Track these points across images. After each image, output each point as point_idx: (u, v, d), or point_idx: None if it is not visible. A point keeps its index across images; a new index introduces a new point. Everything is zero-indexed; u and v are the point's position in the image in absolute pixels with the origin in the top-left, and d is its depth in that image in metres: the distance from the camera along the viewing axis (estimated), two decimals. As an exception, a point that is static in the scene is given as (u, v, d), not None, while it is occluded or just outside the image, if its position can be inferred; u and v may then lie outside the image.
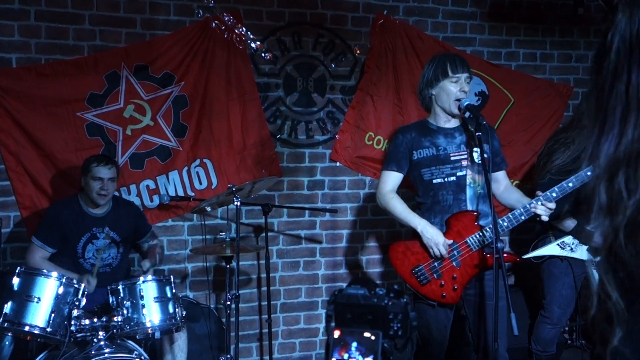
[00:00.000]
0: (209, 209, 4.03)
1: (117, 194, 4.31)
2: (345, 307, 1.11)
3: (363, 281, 1.25)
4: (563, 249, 3.89)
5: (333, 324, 1.11)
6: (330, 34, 4.88)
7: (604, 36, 1.09)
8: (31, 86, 4.24)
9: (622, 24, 1.07)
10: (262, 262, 4.63)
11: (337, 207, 4.89)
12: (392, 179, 3.37)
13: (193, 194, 4.59)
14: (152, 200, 4.54)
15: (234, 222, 3.89)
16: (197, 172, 4.64)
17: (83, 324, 3.37)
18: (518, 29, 5.32)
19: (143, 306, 3.50)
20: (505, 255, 2.88)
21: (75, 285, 3.38)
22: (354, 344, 1.05)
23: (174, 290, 3.63)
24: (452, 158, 3.27)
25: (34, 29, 4.27)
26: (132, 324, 3.47)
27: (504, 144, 5.06)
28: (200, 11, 4.58)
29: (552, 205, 3.14)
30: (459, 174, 3.27)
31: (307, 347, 4.95)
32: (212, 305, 4.64)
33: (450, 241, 3.19)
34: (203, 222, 4.68)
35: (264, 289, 4.66)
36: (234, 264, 3.99)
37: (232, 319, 3.97)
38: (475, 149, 3.28)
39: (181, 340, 3.88)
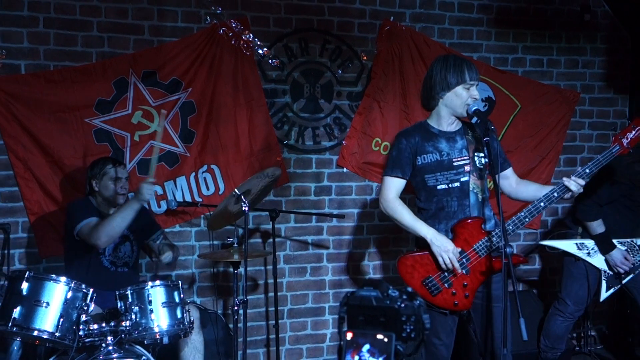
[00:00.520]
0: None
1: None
2: (357, 309, 1.11)
3: (375, 283, 1.25)
4: (580, 249, 3.90)
5: (345, 326, 1.11)
6: (337, 41, 4.90)
7: None
8: (39, 92, 4.27)
9: None
10: (270, 267, 4.63)
11: (344, 213, 4.89)
12: (396, 184, 3.32)
13: (200, 200, 4.59)
14: (159, 206, 4.56)
15: (242, 227, 3.88)
16: (205, 178, 4.65)
17: (91, 328, 3.37)
18: (525, 35, 5.32)
19: (151, 311, 3.50)
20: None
21: (84, 290, 3.38)
22: (366, 346, 1.05)
23: (182, 295, 3.63)
24: (455, 163, 3.25)
25: (42, 36, 4.30)
26: (140, 329, 3.47)
27: (511, 150, 5.08)
28: (208, 18, 4.60)
29: (583, 182, 3.19)
30: (463, 179, 3.25)
31: (314, 353, 4.95)
32: (219, 311, 4.64)
33: (459, 249, 3.18)
34: (210, 228, 4.69)
35: (271, 294, 4.66)
36: (241, 269, 3.99)
37: (240, 325, 3.97)
38: (477, 154, 3.27)
39: (198, 342, 3.88)
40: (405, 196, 3.39)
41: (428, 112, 3.41)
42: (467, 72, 3.20)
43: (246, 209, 3.74)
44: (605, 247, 3.90)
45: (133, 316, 3.46)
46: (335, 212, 4.89)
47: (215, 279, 4.73)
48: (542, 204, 3.20)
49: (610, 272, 3.85)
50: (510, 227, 3.18)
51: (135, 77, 4.46)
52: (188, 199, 4.59)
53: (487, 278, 3.22)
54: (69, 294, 3.32)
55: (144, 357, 3.44)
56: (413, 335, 1.08)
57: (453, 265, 3.14)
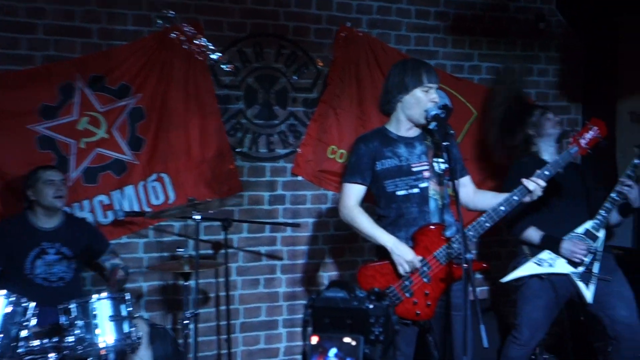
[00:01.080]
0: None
1: (68, 209, 4.22)
2: (323, 311, 1.07)
3: (342, 284, 1.21)
4: (540, 265, 3.88)
5: (310, 330, 1.07)
6: (293, 46, 4.91)
7: None
8: (-21, 97, 4.14)
9: None
10: (221, 279, 4.60)
11: (299, 222, 4.89)
12: (356, 191, 3.33)
13: (149, 210, 4.53)
14: (105, 216, 4.48)
15: (192, 238, 3.83)
16: (154, 187, 4.59)
17: (32, 345, 3.25)
18: (480, 42, 5.43)
19: (96, 326, 3.39)
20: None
21: (24, 304, 3.25)
22: (333, 350, 1.01)
23: (129, 309, 3.53)
24: (414, 169, 3.28)
25: (-16, 38, 4.18)
26: (84, 344, 3.36)
27: (467, 159, 5.13)
28: (159, 21, 4.56)
29: (542, 183, 3.23)
30: (422, 185, 3.28)
31: (268, 368, 4.92)
32: (169, 326, 4.57)
33: (420, 257, 3.17)
34: (160, 239, 4.63)
35: (223, 307, 4.62)
36: (192, 282, 3.95)
37: (190, 340, 3.91)
38: (436, 159, 3.30)
39: (146, 357, 3.78)
40: (364, 204, 3.37)
41: (386, 117, 3.41)
42: (425, 74, 3.23)
43: (198, 217, 3.67)
44: (553, 246, 3.88)
45: (77, 331, 3.36)
46: (289, 221, 4.88)
47: (164, 292, 4.67)
48: (502, 207, 3.24)
49: (579, 270, 3.85)
50: (471, 233, 3.20)
51: (82, 82, 4.39)
52: (136, 208, 4.52)
53: (449, 286, 3.22)
54: (8, 309, 3.19)
55: (88, 375, 3.32)
56: (382, 338, 1.05)
57: (414, 273, 3.14)
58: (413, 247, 3.21)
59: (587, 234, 3.88)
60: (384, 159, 3.28)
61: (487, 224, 3.23)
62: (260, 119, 4.86)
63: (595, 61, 5.58)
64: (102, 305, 3.45)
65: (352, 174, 3.32)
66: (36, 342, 3.27)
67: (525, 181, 3.25)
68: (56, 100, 4.32)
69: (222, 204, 4.25)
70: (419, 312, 3.20)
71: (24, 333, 3.21)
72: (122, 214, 4.41)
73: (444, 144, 3.07)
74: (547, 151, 4.12)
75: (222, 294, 4.63)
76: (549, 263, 3.86)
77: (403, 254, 3.17)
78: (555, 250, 3.86)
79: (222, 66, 4.73)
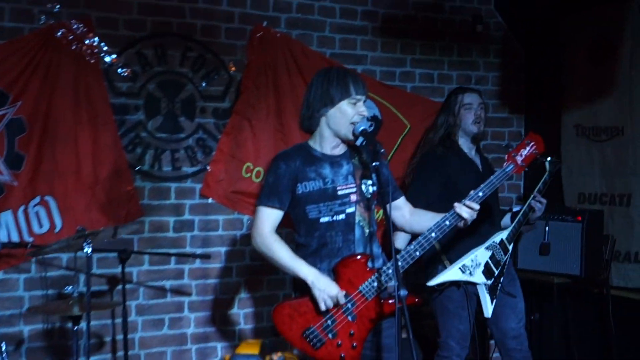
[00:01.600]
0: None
1: None
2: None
3: (253, 345, 1.15)
4: (464, 272, 4.01)
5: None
6: (201, 48, 4.86)
7: None
8: None
9: None
10: (119, 321, 4.47)
11: (209, 252, 4.83)
12: (272, 216, 3.28)
13: (31, 240, 4.39)
14: (-23, 248, 4.28)
15: (84, 272, 3.74)
16: (37, 212, 4.46)
17: None
18: (413, 46, 5.51)
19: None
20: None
21: None
22: None
23: (4, 360, 3.38)
24: (340, 192, 3.26)
25: None
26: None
27: (400, 177, 5.17)
28: (43, 17, 4.45)
29: (477, 207, 3.29)
30: (348, 210, 3.26)
31: (174, 423, 4.83)
32: (55, 377, 4.40)
33: (344, 292, 3.15)
34: (44, 274, 4.49)
35: (121, 353, 4.49)
36: (83, 324, 3.83)
37: (82, 393, 3.76)
38: (364, 181, 3.29)
39: None
40: (281, 230, 3.32)
41: (305, 131, 3.39)
42: (353, 84, 3.22)
43: (89, 251, 3.56)
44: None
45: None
46: (198, 251, 4.83)
47: (49, 337, 4.52)
48: (433, 234, 3.26)
49: (489, 282, 4.02)
50: (400, 263, 3.19)
51: (-53, 88, 4.19)
52: (15, 239, 4.38)
53: (377, 324, 3.22)
54: None
55: None
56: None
57: (338, 311, 3.11)
58: (335, 281, 3.19)
59: (501, 245, 4.10)
60: (306, 180, 3.24)
61: (417, 253, 3.24)
62: (163, 132, 4.79)
63: (538, 68, 5.76)
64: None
65: (269, 196, 3.27)
66: None
67: (457, 206, 3.28)
68: None
69: (119, 232, 4.14)
70: (343, 354, 3.17)
71: None
72: (-1, 246, 4.27)
73: (373, 164, 3.07)
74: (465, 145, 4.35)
75: (120, 337, 4.49)
76: (470, 271, 4.00)
77: (326, 288, 3.13)
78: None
79: (118, 70, 4.65)
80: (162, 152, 4.80)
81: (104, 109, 4.60)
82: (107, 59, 4.61)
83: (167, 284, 4.84)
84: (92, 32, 4.53)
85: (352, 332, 3.18)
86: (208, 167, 4.90)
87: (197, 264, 4.88)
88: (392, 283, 2.90)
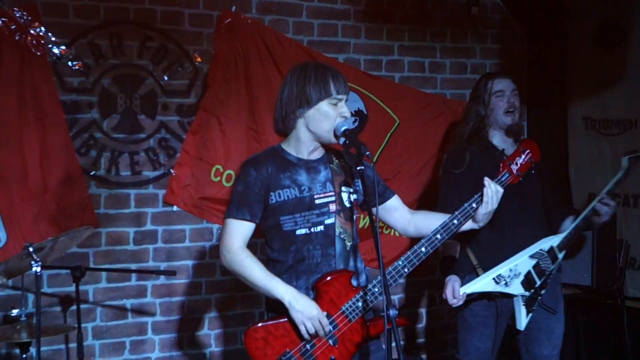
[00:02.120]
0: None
1: None
2: None
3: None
4: (498, 283, 4.00)
5: None
6: (161, 37, 4.86)
7: None
8: None
9: None
10: (73, 345, 4.46)
11: (175, 267, 4.84)
12: (242, 229, 3.26)
13: (-29, 256, 4.35)
14: None
15: (32, 292, 3.71)
16: (-23, 225, 4.45)
17: None
18: (401, 31, 5.53)
19: None
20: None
21: None
22: None
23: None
24: (318, 201, 3.26)
25: None
26: None
27: (389, 178, 5.21)
28: (-19, 5, 4.44)
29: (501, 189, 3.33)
30: (327, 221, 3.26)
31: None
32: (1, 411, 4.39)
33: (325, 313, 3.16)
34: (-13, 295, 4.46)
35: (76, 382, 4.46)
36: (32, 351, 3.82)
37: None
38: (344, 188, 3.31)
39: None
40: (257, 240, 3.34)
41: (279, 133, 3.39)
42: (333, 83, 3.22)
43: (38, 269, 3.55)
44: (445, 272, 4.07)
45: None
46: (162, 266, 4.83)
47: (-6, 365, 4.51)
48: (422, 248, 3.26)
49: (527, 294, 4.00)
50: (388, 281, 3.19)
51: None
52: (-47, 255, 4.33)
53: (362, 348, 3.23)
54: None
55: None
56: None
57: (316, 331, 3.12)
58: (315, 300, 3.19)
59: (550, 253, 4.04)
60: (280, 188, 3.24)
61: (406, 270, 3.24)
62: (120, 132, 4.78)
63: (541, 54, 5.76)
64: None
65: (239, 207, 3.26)
66: None
67: (487, 183, 3.32)
68: None
69: (71, 243, 4.14)
70: (324, 383, 3.19)
71: None
72: None
73: (358, 168, 3.08)
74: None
75: (74, 364, 4.50)
76: (506, 282, 3.99)
77: (305, 309, 3.13)
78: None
79: (68, 63, 4.64)
80: (119, 154, 4.79)
81: (53, 108, 4.59)
82: (56, 50, 4.60)
83: (128, 303, 4.83)
84: (38, 20, 4.52)
85: (333, 357, 3.18)
86: (172, 171, 4.89)
87: (161, 280, 4.88)
88: (381, 300, 2.90)
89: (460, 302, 4.01)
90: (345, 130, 3.21)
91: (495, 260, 4.01)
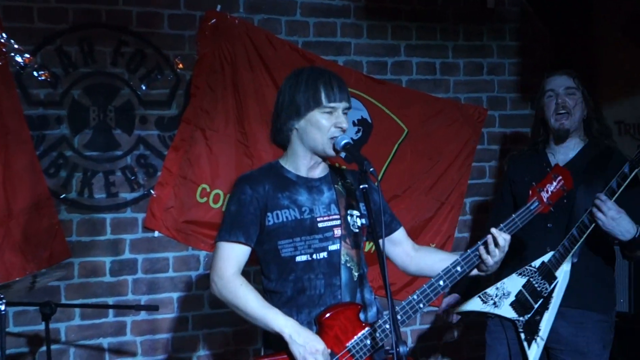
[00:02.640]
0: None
1: None
2: None
3: None
4: (485, 302, 4.01)
5: None
6: (138, 41, 4.87)
7: None
8: None
9: None
10: (44, 391, 4.43)
11: (158, 301, 4.83)
12: (236, 254, 3.25)
13: None
14: None
15: (-4, 333, 3.72)
16: None
17: None
18: (409, 30, 5.53)
19: None
20: None
21: None
22: None
23: None
24: (321, 224, 3.26)
25: None
26: None
27: (398, 194, 5.22)
28: None
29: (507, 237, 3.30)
30: (332, 247, 3.25)
31: None
32: None
33: (329, 350, 3.15)
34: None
35: None
36: (-3, 400, 3.81)
37: None
38: (350, 211, 3.30)
39: None
40: (249, 269, 3.33)
41: (278, 146, 3.40)
42: (324, 89, 3.21)
43: (2, 307, 3.54)
44: None
45: None
46: (144, 299, 4.83)
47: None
48: (441, 282, 3.26)
49: (523, 319, 3.99)
50: (400, 317, 3.19)
51: None
52: None
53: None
54: None
55: None
56: None
57: None
58: (318, 336, 3.18)
59: (540, 269, 4.02)
60: (278, 209, 3.24)
61: (421, 305, 3.24)
62: (93, 149, 4.78)
63: (566, 52, 5.75)
64: None
65: (232, 229, 3.25)
66: None
67: (494, 233, 3.29)
68: None
69: (40, 280, 4.13)
70: None
71: None
72: None
73: (361, 187, 3.07)
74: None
75: (46, 413, 4.48)
76: (494, 302, 4.00)
77: (307, 343, 3.11)
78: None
79: (33, 73, 4.64)
80: (93, 175, 4.78)
81: (17, 124, 4.58)
82: (19, 59, 4.61)
83: (105, 342, 4.81)
84: (-2, 26, 4.53)
85: (336, 400, 3.18)
86: (152, 192, 4.89)
87: (143, 315, 4.87)
88: (390, 338, 2.89)
89: (453, 320, 4.05)
90: (347, 144, 3.20)
91: (496, 278, 4.06)
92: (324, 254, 3.24)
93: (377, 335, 3.17)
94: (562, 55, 5.79)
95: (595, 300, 4.06)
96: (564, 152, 4.20)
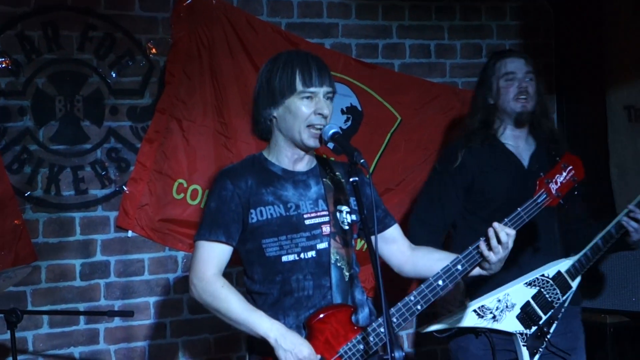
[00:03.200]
0: None
1: None
2: None
3: None
4: (482, 316, 3.99)
5: None
6: (107, 25, 4.87)
7: None
8: None
9: None
10: (10, 405, 4.43)
11: (133, 306, 4.84)
12: (216, 254, 3.25)
13: None
14: None
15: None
16: None
17: None
18: (401, 9, 5.55)
19: None
20: None
21: None
22: None
23: None
24: (308, 222, 3.26)
25: None
26: None
27: (391, 187, 5.23)
28: None
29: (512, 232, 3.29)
30: (320, 246, 3.25)
31: None
32: None
33: (319, 357, 3.16)
34: None
35: None
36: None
37: None
38: (339, 207, 3.31)
39: None
40: (232, 270, 3.34)
41: (260, 138, 3.40)
42: (299, 74, 3.21)
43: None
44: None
45: None
46: (117, 304, 4.84)
47: None
48: (440, 281, 3.27)
49: (529, 331, 3.99)
50: (395, 320, 3.21)
51: None
52: None
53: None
54: None
55: None
56: None
57: None
58: (308, 340, 3.19)
59: (556, 280, 4.02)
60: (262, 205, 3.24)
61: (419, 307, 3.26)
62: (60, 143, 4.79)
63: (572, 32, 5.78)
64: None
65: (212, 227, 3.25)
66: None
67: (496, 227, 3.30)
68: None
69: (5, 284, 4.14)
70: None
71: None
72: None
73: (351, 180, 3.09)
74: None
75: None
76: (494, 315, 3.98)
77: (294, 348, 3.12)
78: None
79: (-7, 61, 4.65)
80: (60, 170, 4.79)
81: (-24, 116, 4.59)
82: (-23, 45, 4.60)
83: (76, 351, 4.82)
84: (-47, 10, 4.54)
85: (327, 410, 3.19)
86: (125, 189, 4.90)
87: (117, 322, 4.87)
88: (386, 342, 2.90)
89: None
90: (335, 133, 3.20)
91: (485, 289, 4.01)
92: (312, 253, 3.24)
93: (371, 339, 3.18)
94: (567, 35, 5.81)
95: (576, 294, 4.12)
96: (524, 140, 4.25)
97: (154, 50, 4.96)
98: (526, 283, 3.99)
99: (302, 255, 3.24)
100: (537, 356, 4.00)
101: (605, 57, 5.51)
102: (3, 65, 4.67)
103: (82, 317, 4.81)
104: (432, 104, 5.52)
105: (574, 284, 4.03)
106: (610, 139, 5.44)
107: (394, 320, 3.20)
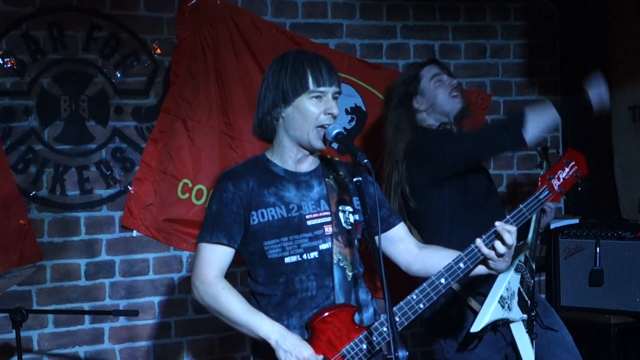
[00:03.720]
0: None
1: None
2: None
3: None
4: (503, 307, 4.00)
5: None
6: (112, 25, 4.88)
7: None
8: None
9: None
10: (15, 405, 4.44)
11: (138, 306, 4.83)
12: (218, 256, 3.25)
13: None
14: None
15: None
16: None
17: None
18: (405, 9, 5.55)
19: None
20: None
21: None
22: None
23: None
24: (310, 222, 3.26)
25: None
26: None
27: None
28: None
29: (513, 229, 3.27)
30: (323, 247, 3.25)
31: None
32: None
33: (321, 357, 3.16)
34: None
35: None
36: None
37: None
38: (342, 207, 3.31)
39: None
40: (236, 270, 3.34)
41: (262, 139, 3.40)
42: (311, 73, 3.21)
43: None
44: None
45: None
46: (122, 304, 4.84)
47: None
48: (442, 279, 3.26)
49: (526, 316, 4.01)
50: (398, 319, 3.20)
51: None
52: None
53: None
54: None
55: None
56: None
57: None
58: (310, 341, 3.20)
59: (527, 265, 4.07)
60: (264, 207, 3.24)
61: (421, 305, 3.25)
62: (65, 142, 4.79)
63: (576, 32, 5.77)
64: None
65: (213, 229, 3.25)
66: None
67: (499, 226, 3.30)
68: None
69: (10, 283, 4.16)
70: None
71: None
72: None
73: (354, 180, 3.09)
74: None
75: None
76: (509, 305, 4.00)
77: (295, 349, 3.12)
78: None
79: (-3, 61, 4.65)
80: (65, 170, 4.79)
81: (-19, 116, 4.60)
82: (-19, 46, 4.61)
83: (81, 351, 4.82)
84: (-43, 10, 4.55)
85: (330, 410, 3.19)
86: (130, 188, 4.90)
87: (121, 321, 4.88)
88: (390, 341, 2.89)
89: None
90: (338, 134, 3.20)
91: (480, 283, 3.99)
92: (314, 254, 3.24)
93: (374, 339, 3.17)
94: (571, 35, 5.81)
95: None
96: None
97: (158, 51, 4.97)
98: (515, 270, 4.01)
99: (304, 256, 3.23)
100: (535, 342, 4.02)
101: (609, 58, 5.51)
102: (8, 65, 4.67)
103: (87, 317, 4.82)
104: (436, 103, 5.51)
105: (535, 267, 4.10)
106: (614, 139, 5.45)
107: (397, 319, 3.19)
